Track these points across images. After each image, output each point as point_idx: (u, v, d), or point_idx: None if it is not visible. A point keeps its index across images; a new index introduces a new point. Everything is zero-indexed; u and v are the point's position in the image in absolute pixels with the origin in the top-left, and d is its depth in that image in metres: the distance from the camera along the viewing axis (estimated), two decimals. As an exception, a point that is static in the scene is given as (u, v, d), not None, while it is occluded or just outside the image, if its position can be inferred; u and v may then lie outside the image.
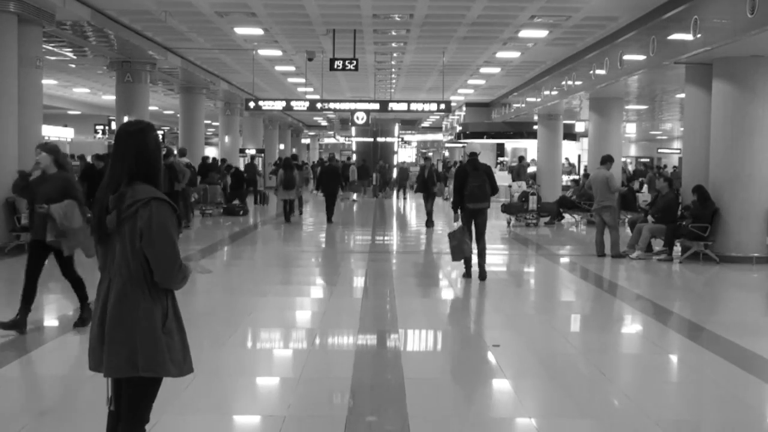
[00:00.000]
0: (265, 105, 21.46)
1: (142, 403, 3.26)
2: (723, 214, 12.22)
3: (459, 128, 33.64)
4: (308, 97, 27.68)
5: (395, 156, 44.79)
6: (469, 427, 4.82)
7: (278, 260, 13.28)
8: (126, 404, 3.25)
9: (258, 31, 16.67)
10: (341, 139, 57.55)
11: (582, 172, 28.39)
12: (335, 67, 16.70)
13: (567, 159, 30.49)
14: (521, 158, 25.27)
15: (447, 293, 10.27)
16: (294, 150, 48.87)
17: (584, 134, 27.94)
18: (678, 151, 41.61)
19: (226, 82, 25.84)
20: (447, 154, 50.37)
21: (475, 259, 10.38)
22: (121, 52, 17.75)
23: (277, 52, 19.59)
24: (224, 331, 7.22)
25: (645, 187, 24.55)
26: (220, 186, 22.09)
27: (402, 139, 50.14)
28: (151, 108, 22.12)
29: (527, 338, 7.28)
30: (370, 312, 8.36)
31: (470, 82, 25.03)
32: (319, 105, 22.19)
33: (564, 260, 13.39)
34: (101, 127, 33.88)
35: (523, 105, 25.14)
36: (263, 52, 19.52)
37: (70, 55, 18.60)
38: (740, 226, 12.17)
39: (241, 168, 28.28)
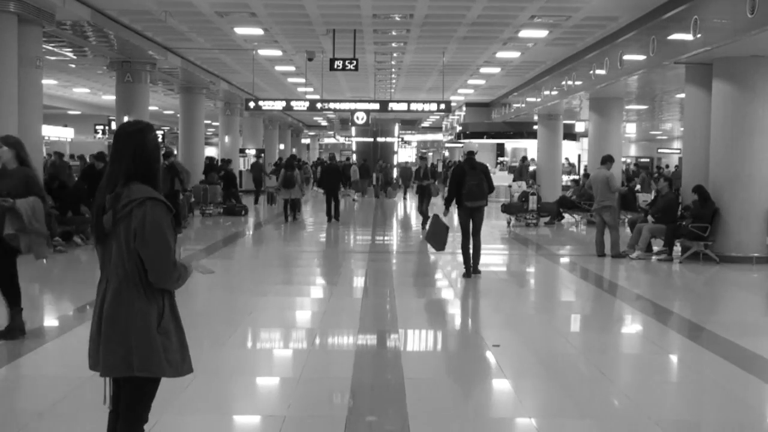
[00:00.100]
0: (265, 105, 21.46)
1: (141, 403, 3.26)
2: (723, 214, 12.22)
3: (459, 128, 33.64)
4: (308, 97, 27.68)
5: (395, 156, 44.80)
6: (469, 427, 4.82)
7: (278, 260, 13.28)
8: (124, 404, 3.26)
9: (258, 31, 16.67)
10: (341, 139, 57.54)
11: (582, 172, 28.39)
12: (335, 67, 16.70)
13: (567, 159, 30.49)
14: (524, 158, 25.13)
15: (447, 293, 10.27)
16: (294, 150, 48.90)
17: (584, 134, 27.95)
18: (678, 151, 41.62)
19: (226, 82, 25.84)
20: (447, 154, 50.37)
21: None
22: (121, 52, 17.75)
23: (277, 52, 19.59)
24: (224, 331, 7.22)
25: (637, 188, 24.48)
26: (220, 186, 22.09)
27: (402, 139, 50.14)
28: (151, 108, 22.11)
29: (527, 338, 7.28)
30: (370, 312, 8.36)
31: (470, 82, 25.02)
32: (319, 105, 22.19)
33: (564, 260, 13.39)
34: (101, 127, 33.87)
35: (523, 105, 25.15)
36: (263, 52, 19.51)
37: (70, 55, 18.60)
38: (740, 226, 12.17)
39: (242, 167, 28.44)
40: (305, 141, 61.45)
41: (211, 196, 21.14)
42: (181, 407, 4.92)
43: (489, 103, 31.29)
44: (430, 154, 60.45)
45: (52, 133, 29.97)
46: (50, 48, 16.94)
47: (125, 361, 3.15)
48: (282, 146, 44.04)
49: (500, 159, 35.84)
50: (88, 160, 19.61)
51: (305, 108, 22.08)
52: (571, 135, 29.79)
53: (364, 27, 15.93)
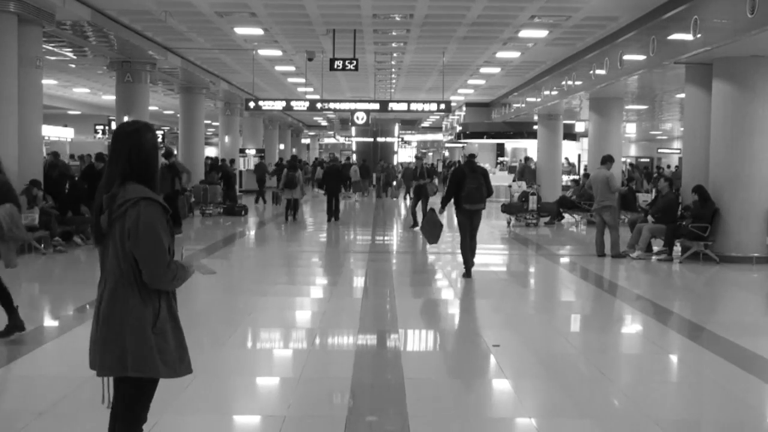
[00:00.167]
0: (265, 105, 21.47)
1: (138, 403, 3.26)
2: (723, 214, 12.22)
3: (459, 128, 33.64)
4: (308, 97, 27.69)
5: (395, 156, 44.81)
6: (469, 427, 4.82)
7: (278, 260, 13.28)
8: (121, 403, 3.26)
9: (258, 31, 16.67)
10: (341, 139, 57.56)
11: (582, 172, 28.36)
12: (335, 67, 16.70)
13: (567, 159, 30.47)
14: (527, 158, 24.91)
15: (447, 293, 10.27)
16: (294, 150, 48.90)
17: (584, 134, 27.94)
18: (678, 151, 41.62)
19: (226, 82, 25.85)
20: (447, 154, 50.38)
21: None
22: (121, 52, 17.75)
23: (277, 52, 19.60)
24: (224, 331, 7.22)
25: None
26: (220, 186, 22.11)
27: (402, 139, 50.15)
28: (151, 108, 22.11)
29: (527, 338, 7.28)
30: (370, 312, 8.36)
31: (470, 82, 25.03)
32: (319, 105, 22.20)
33: (564, 260, 13.39)
34: (101, 127, 33.87)
35: (523, 105, 25.14)
36: (263, 52, 19.52)
37: (70, 55, 18.60)
38: (740, 226, 12.17)
39: (242, 167, 28.47)
40: (305, 141, 61.44)
41: (211, 196, 21.15)
42: (181, 407, 4.92)
43: (489, 103, 31.29)
44: (431, 154, 60.49)
45: (52, 133, 29.95)
46: (50, 48, 16.94)
47: (120, 361, 3.16)
48: (282, 146, 44.04)
49: (500, 159, 35.84)
50: (92, 159, 19.61)
51: (305, 108, 22.09)
52: (571, 135, 29.79)
53: (364, 27, 15.93)
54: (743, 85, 12.04)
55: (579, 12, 14.08)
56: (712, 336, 7.41)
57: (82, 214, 13.50)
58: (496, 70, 21.95)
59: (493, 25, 15.58)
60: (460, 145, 36.69)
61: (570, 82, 18.92)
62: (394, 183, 33.45)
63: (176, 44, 18.44)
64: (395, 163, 42.89)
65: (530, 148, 31.58)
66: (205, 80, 23.49)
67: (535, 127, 26.33)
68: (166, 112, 35.63)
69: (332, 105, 22.60)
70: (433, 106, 21.68)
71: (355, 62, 16.60)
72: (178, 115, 26.02)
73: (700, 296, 10.48)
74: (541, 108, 23.46)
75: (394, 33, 17.02)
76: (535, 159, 27.51)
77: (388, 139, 45.17)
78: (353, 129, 42.71)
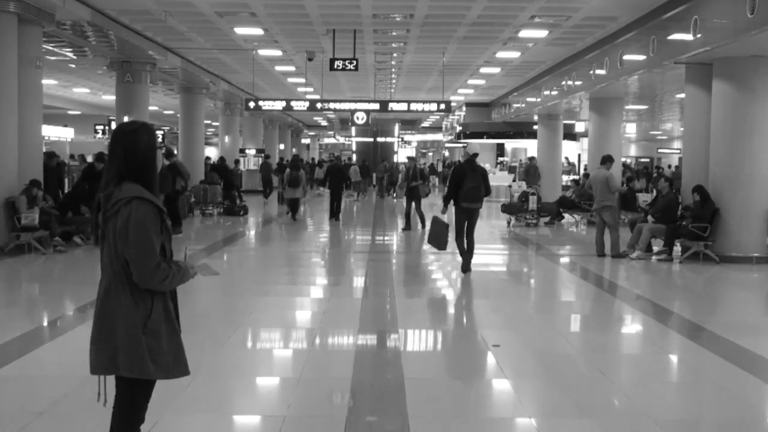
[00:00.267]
0: (265, 105, 21.47)
1: (134, 403, 3.26)
2: (723, 214, 12.22)
3: (459, 128, 33.64)
4: (308, 97, 27.69)
5: (395, 156, 44.81)
6: (469, 427, 4.82)
7: (278, 260, 13.28)
8: (118, 403, 3.27)
9: (258, 31, 16.67)
10: (341, 139, 57.56)
11: (582, 171, 28.35)
12: (335, 67, 16.70)
13: (567, 158, 30.44)
14: (532, 158, 24.67)
15: (447, 293, 10.28)
16: (294, 150, 48.88)
17: (584, 134, 27.94)
18: (678, 151, 41.62)
19: (226, 82, 25.85)
20: (447, 154, 50.38)
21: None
22: (121, 52, 17.74)
23: (277, 52, 19.60)
24: (224, 331, 7.22)
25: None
26: (220, 186, 22.11)
27: (402, 139, 50.15)
28: (151, 108, 22.11)
29: (527, 338, 7.28)
30: (370, 312, 8.36)
31: (470, 82, 25.02)
32: (319, 105, 22.20)
33: (564, 260, 13.39)
34: (101, 127, 33.85)
35: (523, 105, 25.14)
36: (263, 52, 19.52)
37: (70, 55, 18.60)
38: (740, 226, 12.17)
39: (242, 167, 28.51)
40: (305, 141, 61.44)
41: (211, 196, 21.15)
42: (181, 407, 4.92)
43: (489, 103, 31.29)
44: (431, 154, 60.49)
45: (52, 133, 29.91)
46: (50, 48, 16.93)
47: (112, 360, 3.17)
48: (282, 146, 44.05)
49: (500, 159, 35.83)
50: (86, 160, 19.63)
51: (305, 108, 22.09)
52: (571, 135, 29.79)
53: (364, 27, 15.93)
54: (743, 85, 12.04)
55: (579, 12, 14.08)
56: (712, 336, 7.41)
57: (82, 214, 13.51)
58: (496, 70, 21.95)
59: (493, 25, 15.58)
60: (461, 145, 36.65)
61: (570, 82, 18.92)
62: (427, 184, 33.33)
63: (176, 44, 18.44)
64: (394, 162, 42.88)
65: (530, 148, 31.57)
66: (205, 80, 23.49)
67: (535, 127, 26.33)
68: (166, 112, 35.63)
69: (332, 105, 22.60)
70: (433, 106, 21.68)
71: (355, 62, 16.60)
72: (178, 115, 26.02)
73: (700, 296, 10.48)
74: (541, 108, 23.45)
75: (394, 33, 17.02)
76: (524, 159, 27.47)
77: (388, 139, 45.18)
78: (353, 129, 42.73)
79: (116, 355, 3.16)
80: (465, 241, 10.66)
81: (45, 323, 8.04)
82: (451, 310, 9.26)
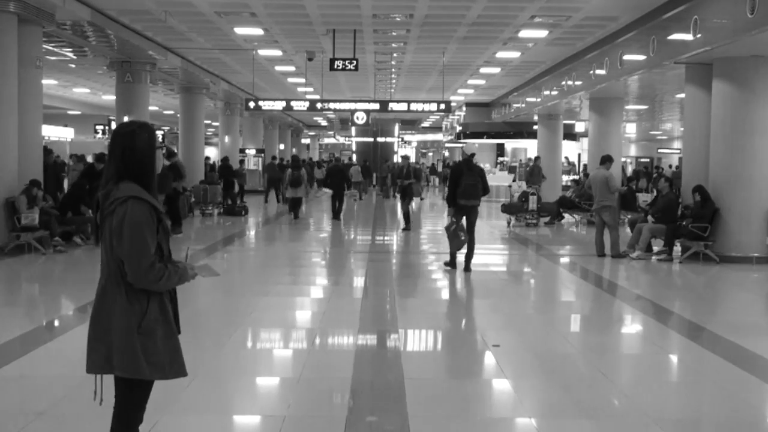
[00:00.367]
0: (265, 105, 21.47)
1: (131, 403, 3.26)
2: (723, 214, 12.22)
3: (459, 128, 33.64)
4: (308, 97, 27.69)
5: (395, 156, 44.81)
6: (469, 427, 4.82)
7: (278, 260, 13.28)
8: (116, 403, 3.28)
9: (258, 31, 16.67)
10: (341, 139, 57.54)
11: (581, 170, 28.29)
12: (335, 67, 16.70)
13: (566, 158, 30.39)
14: (537, 158, 24.53)
15: (447, 293, 10.28)
16: (294, 150, 48.88)
17: (584, 134, 27.94)
18: (678, 151, 41.62)
19: (226, 82, 25.85)
20: (447, 154, 50.35)
21: (464, 256, 11.00)
22: (121, 52, 17.74)
23: (277, 52, 19.60)
24: (224, 331, 7.22)
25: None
26: (220, 186, 22.13)
27: (402, 139, 50.15)
28: (151, 108, 22.11)
29: (527, 338, 7.28)
30: (370, 312, 8.36)
31: (470, 82, 25.02)
32: (319, 105, 22.20)
33: (564, 260, 13.39)
34: (101, 127, 33.86)
35: (523, 105, 25.14)
36: (263, 52, 19.52)
37: (70, 55, 18.59)
38: (740, 226, 12.17)
39: (241, 167, 28.47)
40: (305, 141, 61.43)
41: (211, 196, 21.16)
42: (181, 407, 4.92)
43: (489, 103, 31.29)
44: (431, 154, 60.48)
45: (52, 133, 29.91)
46: (50, 48, 16.93)
47: (107, 359, 3.18)
48: (282, 146, 44.04)
49: (500, 159, 35.83)
50: (89, 159, 19.63)
51: (305, 108, 22.09)
52: (571, 135, 29.78)
53: (364, 27, 15.93)
54: (743, 85, 12.04)
55: (579, 12, 14.08)
56: (712, 336, 7.41)
57: (82, 214, 13.51)
58: (496, 70, 21.95)
59: (493, 25, 15.57)
60: (460, 145, 36.67)
61: (570, 82, 18.92)
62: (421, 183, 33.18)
63: (176, 44, 18.44)
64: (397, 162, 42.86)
65: (530, 148, 31.57)
66: (205, 80, 23.49)
67: (535, 127, 26.33)
68: (166, 112, 35.62)
69: (332, 105, 22.60)
70: (433, 106, 21.68)
71: (355, 62, 16.60)
72: (178, 115, 26.02)
73: (700, 296, 10.48)
74: (541, 108, 23.45)
75: (394, 33, 17.02)
76: (528, 159, 27.38)
77: (388, 139, 45.17)
78: (353, 129, 42.72)
79: (111, 354, 3.16)
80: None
81: (45, 323, 8.04)
82: (451, 310, 9.26)
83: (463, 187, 10.66)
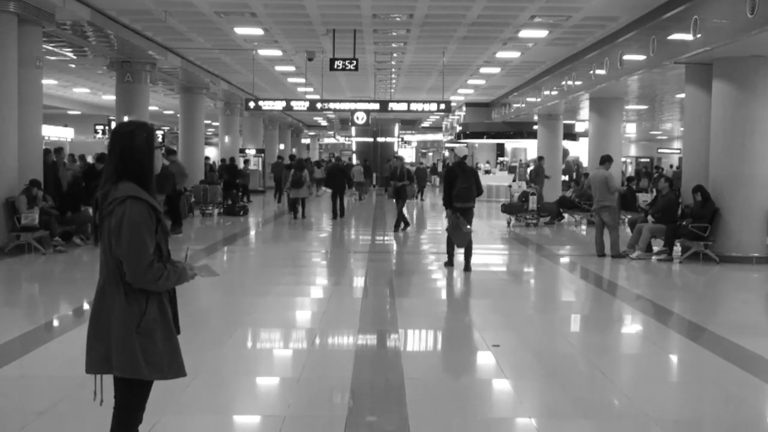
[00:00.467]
0: (265, 105, 21.47)
1: (131, 403, 3.26)
2: (723, 214, 12.22)
3: (459, 128, 33.64)
4: (308, 97, 27.69)
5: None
6: (469, 427, 4.82)
7: (278, 260, 13.27)
8: (115, 403, 3.28)
9: (258, 31, 16.67)
10: (341, 139, 57.56)
11: (575, 171, 28.18)
12: (335, 67, 16.70)
13: (566, 149, 30.26)
14: (540, 158, 24.47)
15: (447, 293, 10.28)
16: (294, 150, 48.90)
17: (584, 134, 27.92)
18: (678, 151, 41.62)
19: (226, 82, 25.84)
20: (447, 154, 50.36)
21: (462, 255, 11.13)
22: (121, 52, 17.74)
23: (277, 52, 19.59)
24: (224, 331, 7.22)
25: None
26: (220, 186, 22.13)
27: (402, 139, 50.16)
28: (151, 108, 22.11)
29: (527, 338, 7.28)
30: (370, 312, 8.36)
31: (470, 82, 25.02)
32: (319, 105, 22.20)
33: (564, 260, 13.39)
34: (101, 127, 33.87)
35: (523, 105, 25.14)
36: (263, 52, 19.51)
37: (70, 55, 18.59)
38: (740, 226, 12.17)
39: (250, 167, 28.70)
40: (305, 141, 61.43)
41: (211, 196, 21.16)
42: (181, 407, 4.92)
43: (489, 103, 31.30)
44: (431, 154, 60.48)
45: (52, 133, 29.94)
46: (50, 48, 16.93)
47: (106, 359, 3.18)
48: (282, 146, 44.04)
49: (500, 159, 35.83)
50: (89, 160, 19.63)
51: (305, 108, 22.09)
52: (571, 135, 29.77)
53: (364, 27, 15.93)
54: (743, 86, 12.04)
55: (579, 12, 14.08)
56: (712, 336, 7.41)
57: (80, 212, 13.51)
58: (496, 70, 21.95)
59: (493, 25, 15.57)
60: (461, 145, 36.68)
61: (570, 82, 18.92)
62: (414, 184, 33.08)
63: (176, 44, 18.44)
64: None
65: (530, 148, 31.57)
66: (205, 80, 23.49)
67: (535, 127, 26.32)
68: (166, 112, 35.62)
69: (332, 105, 22.60)
70: (433, 106, 21.68)
71: (355, 62, 16.60)
72: (178, 115, 26.02)
73: (700, 296, 10.48)
74: (541, 108, 23.44)
75: (394, 33, 17.02)
76: (528, 159, 27.31)
77: (388, 139, 45.16)
78: (353, 129, 42.73)
79: (110, 354, 3.17)
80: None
81: (45, 323, 8.03)
82: (451, 310, 9.26)
83: (458, 190, 10.80)
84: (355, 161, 39.87)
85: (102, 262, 3.25)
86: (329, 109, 24.77)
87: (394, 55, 20.08)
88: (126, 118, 16.62)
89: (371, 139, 44.29)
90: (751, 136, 12.08)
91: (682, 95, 16.13)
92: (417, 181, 31.36)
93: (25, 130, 12.55)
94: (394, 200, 17.78)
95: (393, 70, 23.02)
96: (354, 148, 48.42)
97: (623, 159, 34.27)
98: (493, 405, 5.50)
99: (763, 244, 12.18)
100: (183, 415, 4.85)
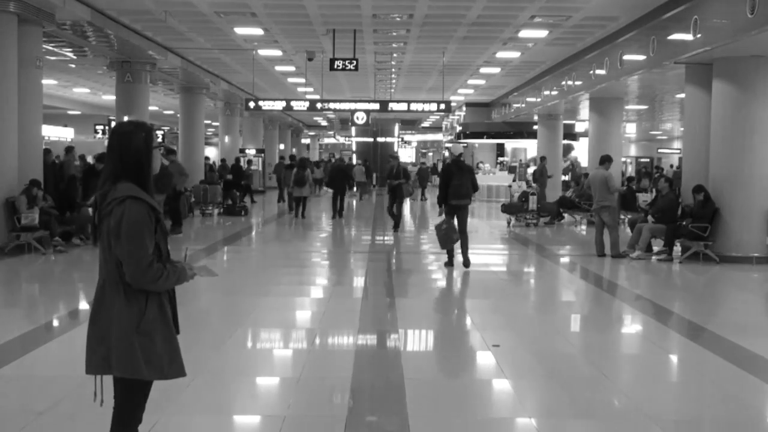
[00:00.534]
0: (265, 105, 21.47)
1: (130, 403, 3.26)
2: (723, 214, 12.22)
3: (459, 128, 33.64)
4: (308, 97, 27.69)
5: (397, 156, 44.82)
6: (469, 427, 4.82)
7: (279, 260, 13.27)
8: (115, 403, 3.28)
9: (258, 31, 16.67)
10: (341, 139, 57.55)
11: (569, 169, 28.09)
12: (335, 67, 16.70)
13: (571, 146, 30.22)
14: (543, 158, 24.02)
15: (447, 293, 10.28)
16: (294, 150, 48.89)
17: (584, 134, 27.92)
18: (678, 151, 41.62)
19: (226, 82, 25.84)
20: (447, 154, 50.36)
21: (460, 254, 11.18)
22: (121, 52, 17.74)
23: (277, 52, 19.59)
24: (224, 331, 7.22)
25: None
26: (220, 186, 22.14)
27: (402, 139, 50.14)
28: (151, 108, 22.11)
29: (527, 338, 7.28)
30: (370, 312, 8.36)
31: (470, 82, 25.02)
32: (319, 105, 22.20)
33: (564, 260, 13.39)
34: (101, 127, 33.87)
35: (523, 105, 25.14)
36: (263, 52, 19.51)
37: (70, 55, 18.59)
38: (740, 226, 12.17)
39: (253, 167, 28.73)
40: (305, 141, 61.43)
41: (211, 196, 21.17)
42: (181, 407, 4.92)
43: (489, 103, 31.29)
44: (431, 154, 60.48)
45: (52, 133, 29.93)
46: (50, 48, 16.93)
47: (106, 360, 3.17)
48: (282, 146, 44.04)
49: (500, 159, 35.81)
50: (89, 160, 19.63)
51: (305, 108, 22.10)
52: (571, 135, 29.76)
53: (364, 27, 15.93)
54: (743, 85, 12.04)
55: (579, 12, 14.08)
56: (712, 336, 7.41)
57: (82, 212, 13.51)
58: (496, 70, 21.95)
59: (493, 25, 15.57)
60: (460, 145, 36.66)
61: (570, 82, 18.93)
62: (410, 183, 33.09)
63: (176, 44, 18.44)
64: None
65: (530, 148, 31.55)
66: (205, 80, 23.48)
67: (535, 127, 26.32)
68: (166, 112, 35.62)
69: (332, 105, 22.60)
70: (433, 106, 21.68)
71: (355, 62, 16.60)
72: (178, 115, 26.02)
73: (700, 296, 10.48)
74: (541, 108, 23.44)
75: (394, 33, 17.02)
76: (529, 159, 27.28)
77: (388, 139, 45.15)
78: (353, 129, 42.71)
79: (109, 355, 3.16)
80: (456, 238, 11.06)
81: (45, 323, 8.03)
82: (451, 309, 9.26)
83: (454, 187, 10.90)
84: (355, 161, 39.87)
85: (101, 263, 3.25)
86: (329, 109, 24.77)
87: (394, 55, 20.08)
88: (126, 118, 16.62)
89: (371, 139, 44.27)
90: (751, 136, 12.08)
91: (682, 95, 16.13)
92: (419, 181, 31.47)
93: (25, 130, 12.55)
94: (389, 199, 17.68)
95: (393, 70, 23.02)
96: (354, 148, 48.39)
97: (623, 159, 34.24)
98: (493, 405, 5.50)
99: (763, 244, 12.18)
100: (183, 415, 4.85)
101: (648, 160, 46.15)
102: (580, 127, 30.98)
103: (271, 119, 38.16)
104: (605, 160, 13.15)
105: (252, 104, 21.10)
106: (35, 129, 13.23)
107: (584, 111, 23.69)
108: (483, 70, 22.06)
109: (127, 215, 3.13)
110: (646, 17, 13.63)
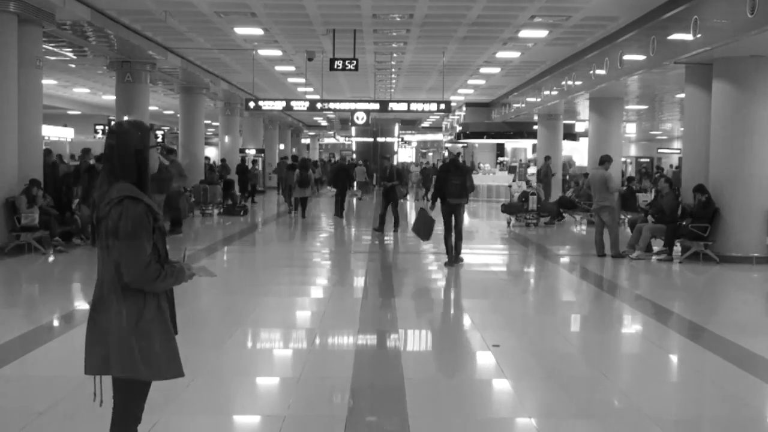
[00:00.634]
0: (265, 105, 21.46)
1: (130, 403, 3.26)
2: (723, 214, 12.22)
3: (459, 128, 33.64)
4: (308, 97, 27.68)
5: (395, 156, 44.84)
6: (469, 427, 4.82)
7: (279, 259, 13.27)
8: (114, 403, 3.28)
9: (258, 31, 16.67)
10: (341, 139, 57.56)
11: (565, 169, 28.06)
12: (335, 67, 16.70)
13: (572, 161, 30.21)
14: (547, 157, 23.80)
15: (447, 293, 10.28)
16: (294, 150, 48.90)
17: (584, 134, 27.93)
18: (678, 151, 41.61)
19: (226, 82, 25.84)
20: (447, 154, 50.38)
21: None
22: (121, 52, 17.74)
23: (277, 52, 19.59)
24: (224, 330, 7.22)
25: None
26: (220, 186, 22.13)
27: (402, 139, 50.16)
28: (151, 108, 22.11)
29: (527, 338, 7.28)
30: (370, 312, 8.36)
31: (470, 82, 25.02)
32: (319, 105, 22.19)
33: (564, 260, 13.39)
34: (101, 127, 33.86)
35: (523, 105, 25.14)
36: (263, 52, 19.51)
37: (70, 55, 18.59)
38: (740, 226, 12.17)
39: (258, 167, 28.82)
40: (305, 141, 61.44)
41: (211, 196, 21.17)
42: (181, 407, 4.92)
43: (489, 103, 31.29)
44: (431, 154, 60.50)
45: (52, 133, 29.93)
46: (50, 48, 16.93)
47: (104, 360, 3.17)
48: (282, 146, 44.05)
49: (500, 159, 35.82)
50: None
51: (305, 108, 22.09)
52: (571, 135, 29.77)
53: (364, 27, 15.93)
54: (743, 85, 12.04)
55: (579, 12, 14.08)
56: (712, 336, 7.41)
57: (82, 212, 13.51)
58: (496, 70, 21.95)
59: (493, 25, 15.57)
60: (461, 145, 36.65)
61: (570, 82, 18.92)
62: (411, 183, 33.09)
63: (176, 44, 18.43)
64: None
65: (530, 148, 31.56)
66: (205, 80, 23.48)
67: (535, 127, 26.31)
68: (166, 112, 35.62)
69: (332, 105, 22.59)
70: (433, 106, 21.67)
71: (355, 62, 16.60)
72: (178, 115, 26.02)
73: (700, 296, 10.48)
74: (541, 108, 23.44)
75: (394, 33, 17.01)
76: (529, 159, 27.28)
77: (388, 139, 45.19)
78: (353, 129, 42.75)
79: (108, 355, 3.16)
80: (452, 237, 11.24)
81: (45, 323, 8.03)
82: (451, 310, 9.26)
83: (451, 186, 11.04)
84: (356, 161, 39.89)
85: (100, 263, 3.24)
86: (329, 109, 24.76)
87: (394, 55, 20.08)
88: (126, 118, 16.59)
89: (371, 139, 44.30)
90: (751, 136, 12.08)
91: (682, 95, 16.13)
92: (423, 182, 31.45)
93: (25, 130, 12.55)
94: (382, 201, 17.58)
95: (393, 70, 23.02)
96: (354, 148, 48.42)
97: (623, 159, 34.24)
98: (493, 405, 5.50)
99: (763, 244, 12.18)
100: (183, 415, 4.85)
101: (648, 160, 46.12)
102: (580, 127, 31.00)
103: (271, 119, 38.16)
104: (605, 160, 13.15)
105: (252, 104, 21.09)
106: (35, 129, 13.23)
107: (584, 111, 23.69)
108: (483, 70, 22.06)
109: (125, 216, 3.12)
110: (646, 17, 13.63)
